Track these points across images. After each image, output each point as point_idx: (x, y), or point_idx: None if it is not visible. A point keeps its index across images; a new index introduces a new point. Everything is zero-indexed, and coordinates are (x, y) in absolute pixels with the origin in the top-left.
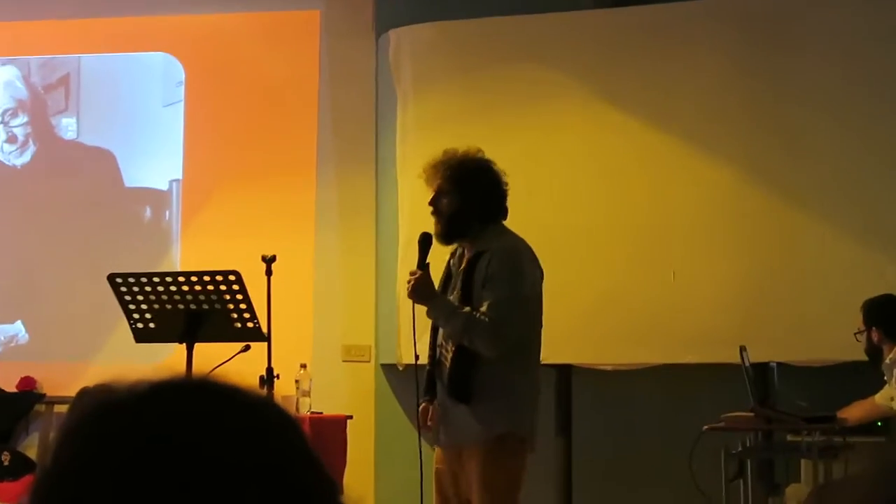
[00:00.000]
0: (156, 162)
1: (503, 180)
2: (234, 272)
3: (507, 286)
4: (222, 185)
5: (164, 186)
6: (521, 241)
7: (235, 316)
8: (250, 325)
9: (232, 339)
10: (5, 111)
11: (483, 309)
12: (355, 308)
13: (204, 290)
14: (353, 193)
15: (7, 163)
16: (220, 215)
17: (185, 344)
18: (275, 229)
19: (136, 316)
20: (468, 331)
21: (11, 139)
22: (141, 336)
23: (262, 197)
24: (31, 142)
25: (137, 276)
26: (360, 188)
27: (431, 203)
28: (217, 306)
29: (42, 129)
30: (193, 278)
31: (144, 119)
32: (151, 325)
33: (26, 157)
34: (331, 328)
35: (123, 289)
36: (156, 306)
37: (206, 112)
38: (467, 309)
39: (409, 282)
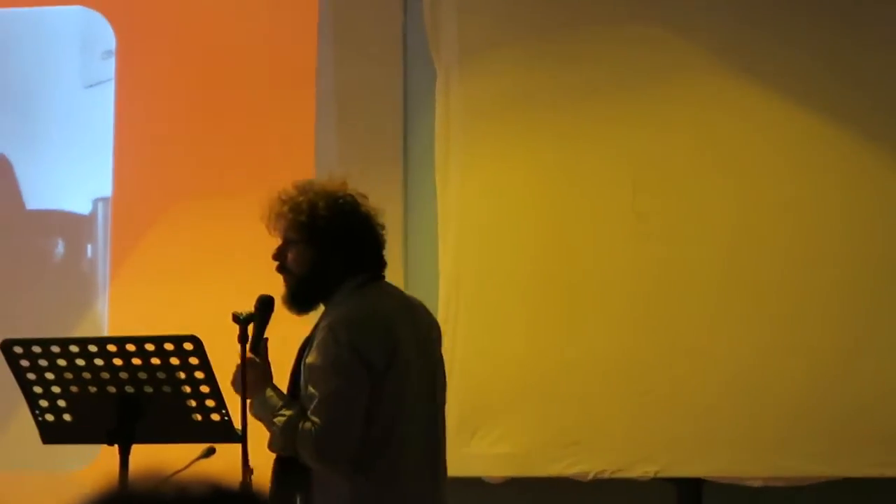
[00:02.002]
0: (73, 172)
1: (377, 223)
2: (192, 338)
3: (325, 377)
4: (172, 205)
5: (84, 208)
6: (367, 305)
7: (193, 403)
8: (215, 416)
9: (188, 437)
10: None
11: (308, 413)
12: None
13: (146, 365)
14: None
15: None
16: (169, 250)
17: (116, 446)
18: (253, 269)
19: (42, 403)
20: (289, 441)
21: None
22: (51, 433)
23: (234, 221)
24: None
25: (45, 343)
26: (380, 203)
27: (275, 257)
28: (165, 389)
29: None
30: (130, 347)
31: (55, 107)
32: (66, 416)
33: None
34: None
35: (24, 362)
36: (73, 388)
37: (147, 97)
38: (289, 413)
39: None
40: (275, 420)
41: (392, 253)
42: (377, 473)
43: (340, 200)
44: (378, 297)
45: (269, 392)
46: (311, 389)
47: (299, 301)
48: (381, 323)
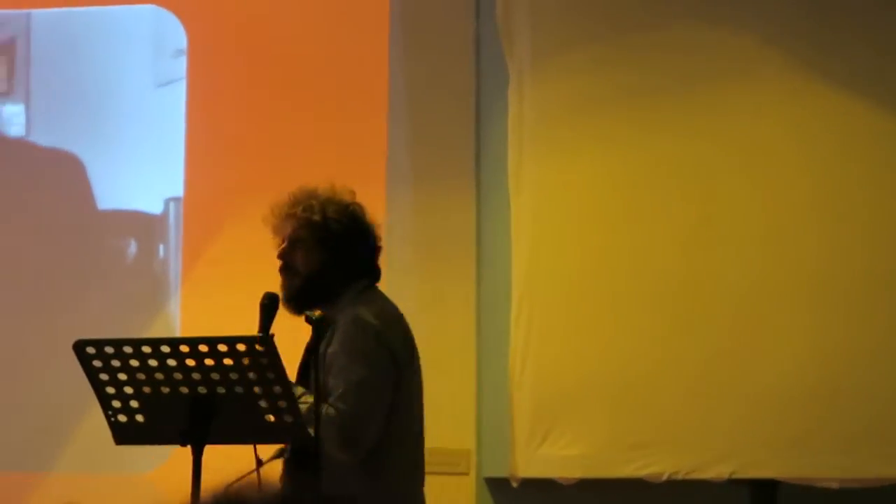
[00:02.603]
0: (145, 172)
1: (376, 234)
2: (264, 338)
3: (353, 366)
4: (243, 205)
5: (156, 208)
6: (380, 305)
7: (265, 404)
8: (288, 418)
9: (260, 438)
10: None
11: (331, 401)
12: (446, 394)
13: (218, 366)
14: (442, 222)
15: None
16: (240, 250)
17: (189, 447)
18: None
19: (115, 404)
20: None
21: None
22: (123, 434)
23: None
24: None
25: (118, 343)
26: (451, 214)
27: (282, 256)
28: (237, 389)
29: None
30: (202, 347)
31: (127, 107)
32: (139, 417)
33: None
34: None
35: (97, 363)
36: (145, 389)
37: (218, 96)
38: (309, 399)
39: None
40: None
41: (464, 259)
42: (389, 471)
43: (350, 207)
44: (386, 301)
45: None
46: (334, 379)
47: (303, 300)
48: (401, 321)
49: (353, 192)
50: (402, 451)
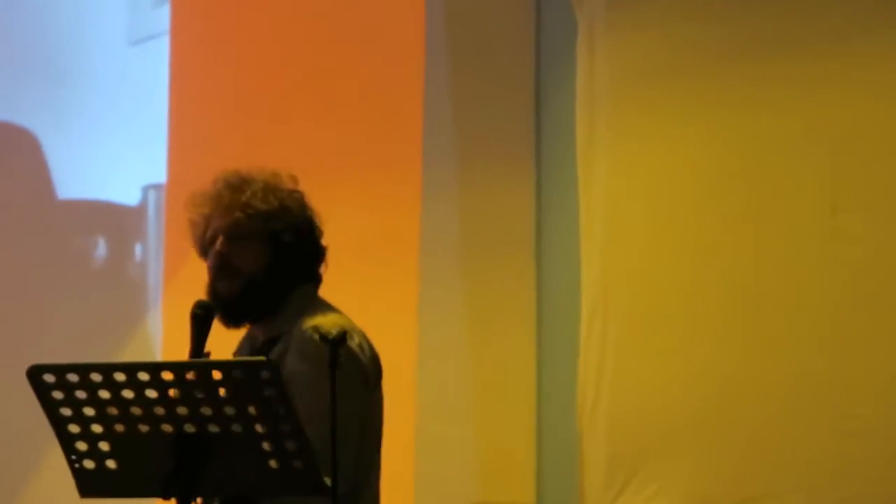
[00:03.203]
0: (117, 153)
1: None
2: (268, 363)
3: (318, 392)
4: None
5: (132, 198)
6: (338, 316)
7: (269, 447)
8: (297, 463)
9: (263, 489)
10: None
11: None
12: (498, 432)
13: (211, 397)
14: (492, 217)
15: None
16: None
17: (172, 500)
18: (344, 282)
19: (80, 447)
20: None
21: None
22: (90, 484)
23: (323, 217)
24: None
25: (83, 369)
26: (504, 206)
27: (217, 255)
28: (235, 428)
29: None
30: (190, 375)
31: (94, 71)
32: (110, 463)
33: None
34: (449, 472)
35: (56, 394)
36: (118, 428)
37: (210, 57)
38: None
39: None
40: None
41: (521, 262)
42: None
43: (297, 195)
44: (340, 312)
45: None
46: (299, 401)
47: (243, 308)
48: (365, 335)
49: (295, 178)
50: (370, 488)
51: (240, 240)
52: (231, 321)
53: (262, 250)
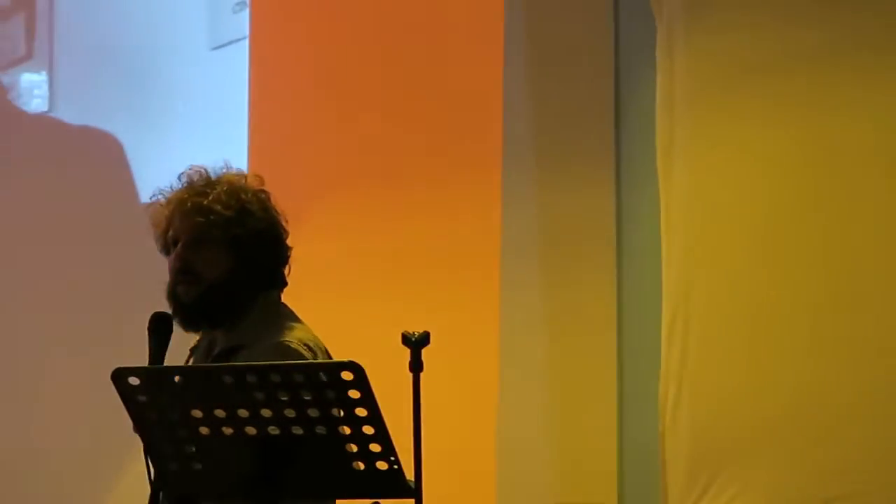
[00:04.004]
0: (198, 155)
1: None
2: (352, 365)
3: None
4: (322, 197)
5: None
6: (303, 329)
7: (355, 448)
8: (382, 464)
9: (347, 490)
10: None
11: None
12: (579, 434)
13: (294, 399)
14: (573, 220)
15: None
16: (318, 253)
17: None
18: (426, 283)
19: (165, 449)
20: None
21: None
22: (175, 486)
23: (401, 224)
24: None
25: (167, 372)
26: (585, 205)
27: (178, 259)
28: (319, 430)
29: None
30: (273, 376)
31: (175, 75)
32: (195, 465)
33: None
34: (530, 472)
35: (141, 397)
36: (203, 430)
37: (290, 61)
38: None
39: None
40: None
41: (602, 262)
42: None
43: (263, 196)
44: (305, 323)
45: None
46: None
47: (201, 315)
48: (327, 351)
49: (261, 178)
50: None
51: (200, 245)
52: (188, 326)
53: (224, 256)
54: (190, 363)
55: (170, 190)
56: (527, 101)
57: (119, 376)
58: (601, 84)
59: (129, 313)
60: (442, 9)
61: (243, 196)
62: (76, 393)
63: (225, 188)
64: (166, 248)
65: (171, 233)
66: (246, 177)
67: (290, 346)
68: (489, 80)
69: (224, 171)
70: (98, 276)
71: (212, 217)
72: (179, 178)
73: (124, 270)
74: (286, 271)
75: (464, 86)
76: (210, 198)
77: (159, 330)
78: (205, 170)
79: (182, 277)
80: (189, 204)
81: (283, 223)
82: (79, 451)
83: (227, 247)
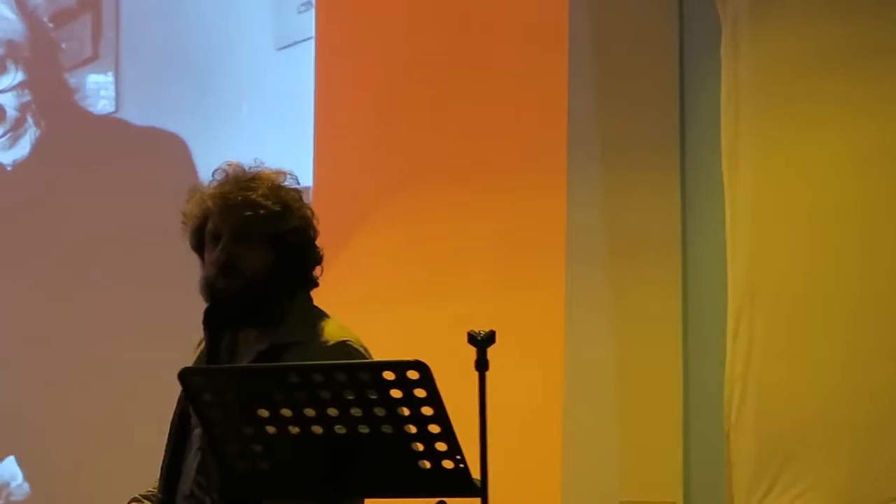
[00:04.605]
0: (264, 156)
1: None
2: (418, 364)
3: None
4: (388, 197)
5: None
6: (347, 327)
7: (421, 447)
8: (447, 463)
9: (413, 489)
10: None
11: None
12: (645, 431)
13: (360, 399)
14: (638, 221)
15: None
16: (385, 253)
17: (324, 502)
18: (490, 282)
19: (231, 448)
20: None
21: None
22: (242, 486)
23: (467, 225)
24: (29, 121)
25: (234, 372)
26: (650, 201)
27: (223, 254)
28: (385, 429)
29: (51, 97)
30: (340, 375)
31: (240, 76)
32: (262, 464)
33: (22, 149)
34: (596, 470)
35: (207, 396)
36: (269, 429)
37: (356, 61)
38: None
39: None
40: None
41: (667, 258)
42: None
43: (298, 195)
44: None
45: None
46: None
47: (244, 309)
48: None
49: (295, 176)
50: None
51: (246, 240)
52: (228, 321)
53: (267, 252)
54: (198, 364)
55: (205, 185)
56: (592, 103)
57: (185, 376)
58: (666, 85)
59: (197, 312)
60: (507, 10)
61: (284, 193)
62: (157, 391)
63: (268, 184)
64: (200, 243)
65: (210, 226)
66: (284, 174)
67: (352, 346)
68: (554, 81)
69: (260, 167)
70: (165, 276)
71: (261, 212)
72: (214, 173)
73: (192, 270)
74: (319, 272)
75: (529, 88)
76: (258, 192)
77: (213, 323)
78: (241, 165)
79: (225, 271)
80: (238, 198)
81: (316, 223)
82: None
83: (270, 243)
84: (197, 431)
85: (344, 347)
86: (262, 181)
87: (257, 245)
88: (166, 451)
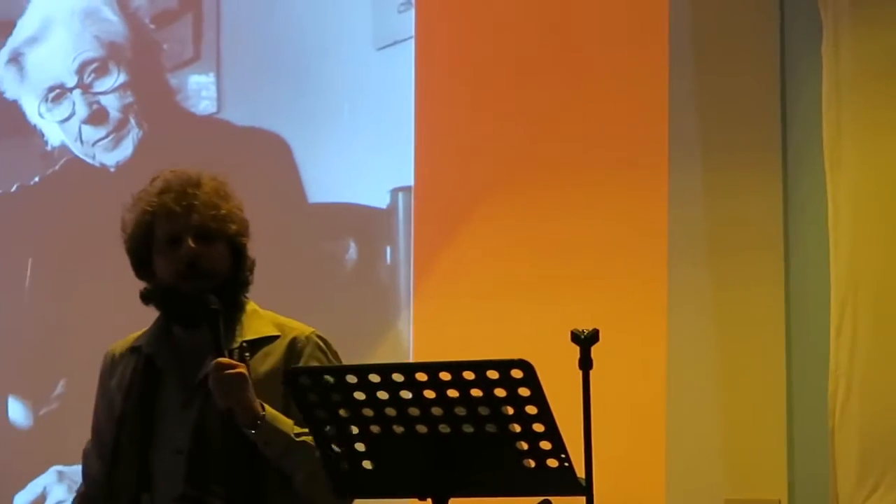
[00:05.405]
0: (365, 156)
1: None
2: (522, 363)
3: None
4: (491, 196)
5: (381, 201)
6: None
7: (525, 446)
8: (552, 462)
9: (517, 488)
10: (84, 65)
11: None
12: (749, 428)
13: (464, 397)
14: (740, 218)
15: (89, 160)
16: (488, 253)
17: (428, 500)
18: (594, 281)
19: (337, 448)
20: (321, 473)
21: (97, 117)
22: (347, 485)
23: (567, 223)
24: (132, 122)
25: (338, 371)
26: (752, 198)
27: (187, 255)
28: (489, 428)
29: (153, 99)
30: (443, 375)
31: (341, 75)
32: (366, 463)
33: (125, 150)
34: (700, 468)
35: (313, 396)
36: (374, 428)
37: (457, 60)
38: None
39: (224, 375)
40: (306, 440)
41: (769, 255)
42: None
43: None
44: None
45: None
46: None
47: (208, 310)
48: None
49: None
50: None
51: (210, 240)
52: (188, 321)
53: (227, 253)
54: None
55: (147, 190)
56: (692, 103)
57: (290, 376)
58: (767, 85)
59: (300, 306)
60: (607, 8)
61: (233, 195)
62: None
63: (218, 185)
64: (146, 245)
65: (167, 228)
66: (224, 179)
67: (322, 337)
68: (655, 81)
69: (200, 173)
70: (267, 276)
71: (222, 212)
72: (153, 181)
73: (293, 270)
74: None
75: (629, 85)
76: (218, 193)
77: (212, 317)
78: (182, 171)
79: (189, 272)
80: (199, 198)
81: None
82: None
83: (228, 243)
84: (170, 430)
85: (318, 338)
86: (209, 182)
87: (220, 244)
88: (123, 449)
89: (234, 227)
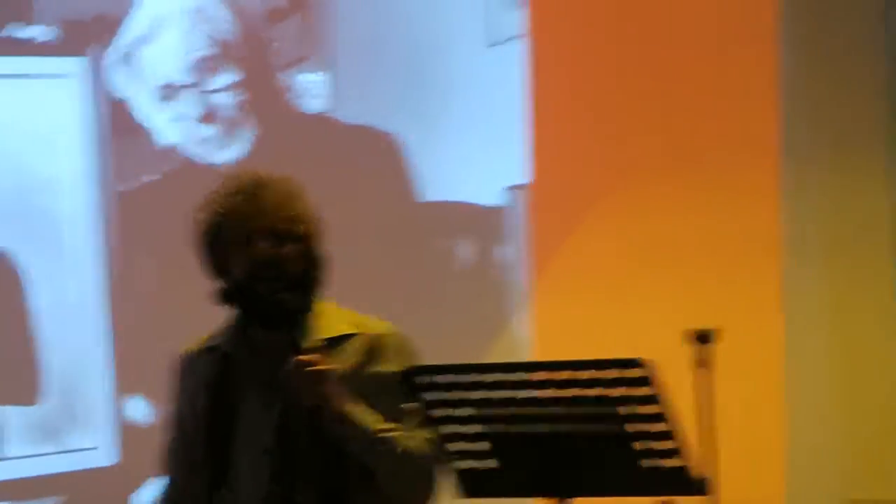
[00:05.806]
0: (479, 154)
1: None
2: (641, 362)
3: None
4: (607, 194)
5: (495, 199)
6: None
7: (646, 446)
8: (673, 462)
9: (638, 490)
10: (197, 63)
11: (425, 434)
12: (870, 430)
13: (583, 397)
14: (853, 213)
15: (201, 159)
16: (606, 251)
17: (548, 500)
18: (705, 279)
19: (455, 447)
20: (404, 469)
21: (209, 116)
22: (472, 484)
23: (680, 220)
24: (244, 121)
25: (458, 370)
26: (862, 199)
27: (267, 253)
28: (609, 427)
29: (265, 97)
30: (563, 374)
31: (453, 72)
32: (490, 462)
33: (239, 149)
34: (821, 468)
35: (432, 395)
36: (497, 428)
37: (570, 58)
38: (393, 428)
39: (305, 369)
40: (390, 435)
41: (879, 254)
42: None
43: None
44: None
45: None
46: (406, 404)
47: (287, 310)
48: None
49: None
50: None
51: (281, 241)
52: (269, 323)
53: (299, 253)
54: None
55: (218, 190)
56: (804, 99)
57: (408, 375)
58: (874, 79)
59: (414, 304)
60: (720, 5)
61: (302, 194)
62: None
63: (286, 186)
64: (220, 246)
65: (238, 230)
66: (290, 177)
67: (402, 334)
68: (765, 80)
69: (266, 173)
70: (379, 275)
71: (292, 213)
72: (224, 181)
73: (405, 268)
74: None
75: (740, 82)
76: (288, 194)
77: (288, 316)
78: (252, 171)
79: (263, 273)
80: (269, 199)
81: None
82: None
83: (300, 243)
84: (253, 430)
85: (397, 335)
86: (281, 184)
87: (290, 245)
88: (207, 448)
89: (303, 227)
